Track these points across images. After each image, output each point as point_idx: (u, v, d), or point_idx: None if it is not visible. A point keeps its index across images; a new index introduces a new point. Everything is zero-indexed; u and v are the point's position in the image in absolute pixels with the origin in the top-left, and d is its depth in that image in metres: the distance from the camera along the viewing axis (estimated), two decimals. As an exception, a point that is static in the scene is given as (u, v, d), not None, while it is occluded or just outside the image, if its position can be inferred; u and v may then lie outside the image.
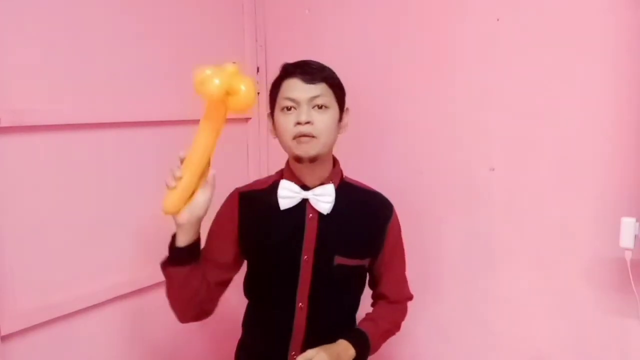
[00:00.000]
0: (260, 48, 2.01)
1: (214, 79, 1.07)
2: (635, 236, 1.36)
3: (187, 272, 1.20)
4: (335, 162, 1.32)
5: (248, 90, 1.12)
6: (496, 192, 1.61)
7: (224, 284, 1.33)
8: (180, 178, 1.11)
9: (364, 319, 1.38)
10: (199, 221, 1.17)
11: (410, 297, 1.44)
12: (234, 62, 1.13)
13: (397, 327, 1.41)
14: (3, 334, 1.29)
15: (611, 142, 1.44)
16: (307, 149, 1.20)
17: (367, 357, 1.34)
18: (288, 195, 1.25)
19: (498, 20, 1.56)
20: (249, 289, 1.37)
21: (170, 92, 1.70)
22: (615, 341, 1.47)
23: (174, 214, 1.14)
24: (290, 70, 1.24)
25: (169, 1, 1.68)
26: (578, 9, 1.45)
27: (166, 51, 1.68)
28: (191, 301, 1.25)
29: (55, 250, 1.41)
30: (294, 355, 1.27)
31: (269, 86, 1.30)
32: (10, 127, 1.29)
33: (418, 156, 1.73)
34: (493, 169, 1.61)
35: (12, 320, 1.31)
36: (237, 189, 1.35)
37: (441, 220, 1.71)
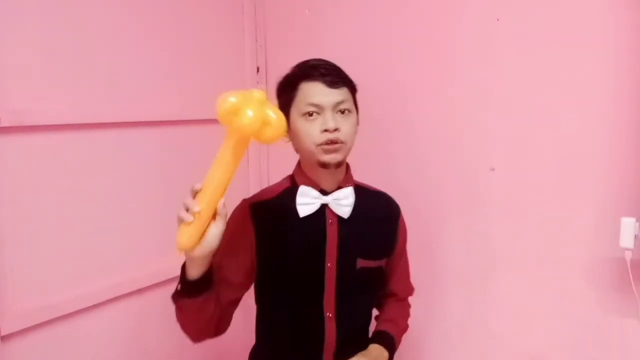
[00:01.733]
0: (260, 48, 2.01)
1: (246, 110, 0.99)
2: (635, 236, 1.36)
3: (202, 300, 1.14)
4: (347, 166, 1.29)
5: (279, 120, 1.06)
6: (496, 192, 1.61)
7: (237, 302, 1.27)
8: (198, 213, 1.04)
9: (384, 320, 1.38)
10: (212, 253, 1.09)
11: (413, 290, 1.46)
12: (259, 88, 1.07)
13: (408, 324, 1.44)
14: (3, 334, 1.29)
15: (611, 142, 1.44)
16: (334, 156, 1.17)
17: (393, 357, 1.34)
18: (308, 201, 1.21)
19: (498, 20, 1.56)
20: (269, 301, 1.30)
21: (170, 92, 1.70)
22: (615, 341, 1.47)
23: (191, 250, 1.07)
24: (308, 72, 1.19)
25: (169, 1, 1.68)
26: (578, 9, 1.45)
27: (166, 51, 1.68)
28: (206, 326, 1.20)
29: (55, 250, 1.41)
30: None
31: (269, 86, 1.29)
32: (10, 127, 1.29)
33: (418, 156, 1.73)
34: (493, 169, 1.61)
35: (12, 320, 1.31)
36: (245, 201, 1.28)
37: (441, 220, 1.71)
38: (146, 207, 1.64)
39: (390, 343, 1.32)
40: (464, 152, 1.65)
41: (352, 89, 1.24)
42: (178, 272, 1.50)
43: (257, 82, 1.98)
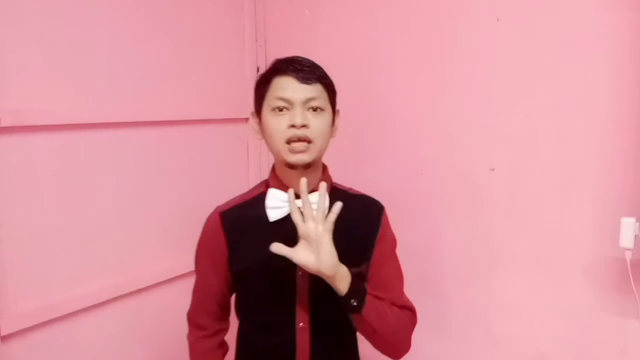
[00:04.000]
0: (260, 48, 2.01)
1: None
2: (635, 236, 1.36)
3: None
4: (324, 168, 1.22)
5: None
6: (496, 192, 1.61)
7: (228, 307, 1.32)
8: None
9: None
10: None
11: (411, 307, 1.24)
12: None
13: (400, 323, 1.19)
14: (3, 334, 1.29)
15: (611, 142, 1.44)
16: (301, 157, 1.11)
17: (358, 307, 1.11)
18: (277, 205, 1.14)
19: (498, 20, 1.56)
20: (242, 311, 1.26)
21: (170, 92, 1.70)
22: (615, 341, 1.47)
23: None
24: (281, 67, 1.13)
25: (169, 1, 1.68)
26: (578, 9, 1.45)
27: (166, 51, 1.68)
28: None
29: (55, 250, 1.41)
30: None
31: None
32: (10, 127, 1.30)
33: (418, 156, 1.73)
34: (493, 169, 1.61)
35: (12, 320, 1.31)
36: (216, 209, 1.23)
37: (441, 220, 1.71)
38: (146, 207, 1.64)
39: (359, 282, 1.13)
40: (463, 152, 1.65)
41: (328, 87, 1.16)
42: (177, 273, 1.51)
43: (257, 82, 1.98)
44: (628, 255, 1.37)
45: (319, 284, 1.11)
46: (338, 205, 1.06)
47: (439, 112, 1.68)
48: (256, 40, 2.00)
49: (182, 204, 1.74)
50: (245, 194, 1.26)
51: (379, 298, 1.16)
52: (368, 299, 1.12)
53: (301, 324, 1.17)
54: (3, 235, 1.30)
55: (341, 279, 1.09)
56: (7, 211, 1.31)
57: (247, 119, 1.97)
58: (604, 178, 1.45)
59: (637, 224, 1.36)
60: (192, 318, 1.31)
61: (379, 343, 1.18)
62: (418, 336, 1.71)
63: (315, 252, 1.06)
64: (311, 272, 1.08)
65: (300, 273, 1.16)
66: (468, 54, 1.62)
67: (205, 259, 1.24)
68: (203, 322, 1.28)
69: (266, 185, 1.21)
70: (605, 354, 1.48)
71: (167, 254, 1.71)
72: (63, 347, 1.44)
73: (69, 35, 1.42)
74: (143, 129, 1.62)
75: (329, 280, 1.09)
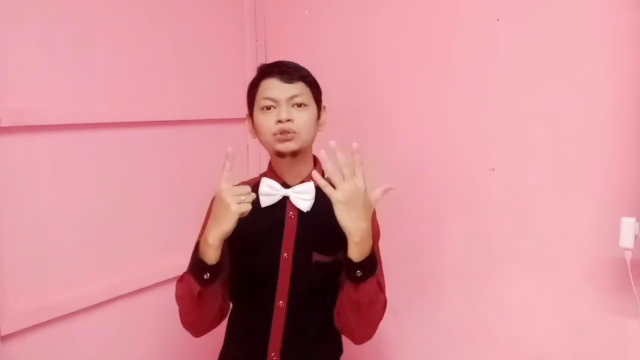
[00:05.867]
0: (260, 48, 2.01)
1: None
2: (635, 236, 1.36)
3: (217, 287, 1.21)
4: (315, 160, 1.33)
5: None
6: (496, 192, 1.61)
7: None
8: None
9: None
10: (225, 236, 1.16)
11: (384, 297, 1.26)
12: None
13: (377, 307, 1.24)
14: (3, 334, 1.29)
15: (611, 142, 1.44)
16: (288, 145, 1.23)
17: (373, 271, 1.17)
18: (268, 192, 1.26)
19: (498, 20, 1.56)
20: (231, 290, 1.33)
21: (170, 92, 1.70)
22: (615, 341, 1.47)
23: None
24: (267, 71, 1.27)
25: (169, 1, 1.68)
26: (578, 8, 1.45)
27: (166, 51, 1.68)
28: (215, 315, 1.28)
29: (55, 250, 1.41)
30: (273, 356, 1.26)
31: None
32: (10, 127, 1.30)
33: (418, 156, 1.73)
34: (493, 169, 1.61)
35: (12, 320, 1.31)
36: None
37: (441, 220, 1.71)
38: (146, 207, 1.64)
39: (372, 264, 1.17)
40: (463, 152, 1.65)
41: (311, 84, 1.28)
42: (177, 273, 1.50)
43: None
44: (628, 255, 1.37)
45: (300, 270, 1.26)
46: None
47: (439, 112, 1.68)
48: (256, 40, 2.00)
49: (182, 204, 1.74)
50: (247, 181, 1.36)
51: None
52: (370, 279, 1.17)
53: (280, 302, 1.27)
54: (3, 235, 1.30)
55: (361, 246, 1.13)
56: (7, 211, 1.31)
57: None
58: (604, 178, 1.45)
59: (637, 224, 1.36)
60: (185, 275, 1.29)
61: (351, 320, 1.24)
62: (418, 335, 1.72)
63: (354, 209, 1.11)
64: (351, 231, 1.12)
65: (284, 255, 1.27)
66: (468, 54, 1.62)
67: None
68: None
69: (262, 175, 1.34)
70: (605, 354, 1.48)
71: (167, 254, 1.71)
72: (63, 347, 1.44)
73: (69, 35, 1.42)
74: (143, 129, 1.62)
75: (351, 240, 1.13)
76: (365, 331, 1.28)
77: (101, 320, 1.53)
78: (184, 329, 1.32)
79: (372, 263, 1.17)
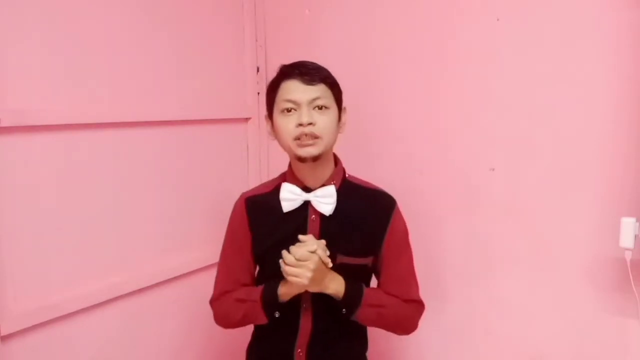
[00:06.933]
0: (260, 48, 2.01)
1: None
2: (635, 236, 1.36)
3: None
4: (337, 161, 1.32)
5: None
6: (496, 192, 1.61)
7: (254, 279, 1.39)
8: None
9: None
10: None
11: (418, 300, 1.36)
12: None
13: (401, 317, 1.33)
14: (3, 334, 1.29)
15: (611, 142, 1.44)
16: (310, 150, 1.21)
17: (353, 310, 1.27)
18: (289, 197, 1.26)
19: (498, 20, 1.56)
20: None
21: (171, 92, 1.70)
22: (615, 341, 1.47)
23: None
24: (287, 72, 1.24)
25: (169, 1, 1.68)
26: (578, 8, 1.45)
27: (166, 51, 1.68)
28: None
29: (55, 250, 1.41)
30: (300, 352, 1.30)
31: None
32: (10, 127, 1.29)
33: (418, 156, 1.73)
34: (493, 169, 1.61)
35: (12, 320, 1.31)
36: (242, 195, 1.37)
37: (441, 220, 1.71)
38: (146, 207, 1.64)
39: (354, 287, 1.27)
40: (463, 152, 1.65)
41: (332, 86, 1.26)
42: (177, 273, 1.51)
43: (257, 82, 1.98)
44: (628, 255, 1.37)
45: None
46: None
47: (439, 112, 1.68)
48: (256, 40, 2.00)
49: (182, 204, 1.74)
50: (266, 183, 1.39)
51: (388, 293, 1.31)
52: (365, 301, 1.26)
53: (304, 305, 1.29)
54: (3, 235, 1.29)
55: (330, 290, 1.24)
56: (7, 211, 1.30)
57: (247, 119, 1.97)
58: (604, 178, 1.45)
59: (637, 224, 1.36)
60: (217, 292, 1.35)
61: (382, 328, 1.35)
62: (418, 335, 1.72)
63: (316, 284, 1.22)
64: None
65: None
66: (468, 54, 1.62)
67: (232, 245, 1.36)
68: (230, 288, 1.34)
69: (283, 177, 1.33)
70: (605, 354, 1.48)
71: (167, 254, 1.71)
72: (63, 347, 1.44)
73: (69, 35, 1.42)
74: (143, 129, 1.62)
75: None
76: (398, 332, 1.37)
77: (101, 320, 1.53)
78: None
79: (349, 300, 1.25)
